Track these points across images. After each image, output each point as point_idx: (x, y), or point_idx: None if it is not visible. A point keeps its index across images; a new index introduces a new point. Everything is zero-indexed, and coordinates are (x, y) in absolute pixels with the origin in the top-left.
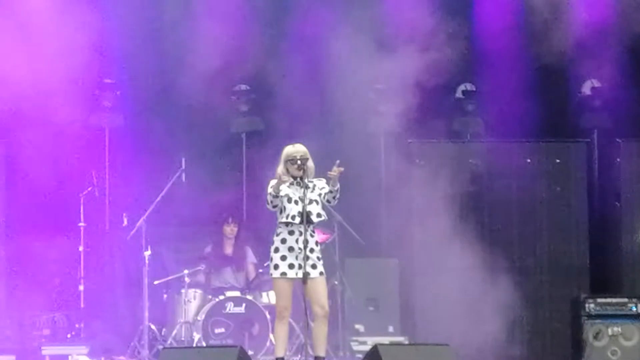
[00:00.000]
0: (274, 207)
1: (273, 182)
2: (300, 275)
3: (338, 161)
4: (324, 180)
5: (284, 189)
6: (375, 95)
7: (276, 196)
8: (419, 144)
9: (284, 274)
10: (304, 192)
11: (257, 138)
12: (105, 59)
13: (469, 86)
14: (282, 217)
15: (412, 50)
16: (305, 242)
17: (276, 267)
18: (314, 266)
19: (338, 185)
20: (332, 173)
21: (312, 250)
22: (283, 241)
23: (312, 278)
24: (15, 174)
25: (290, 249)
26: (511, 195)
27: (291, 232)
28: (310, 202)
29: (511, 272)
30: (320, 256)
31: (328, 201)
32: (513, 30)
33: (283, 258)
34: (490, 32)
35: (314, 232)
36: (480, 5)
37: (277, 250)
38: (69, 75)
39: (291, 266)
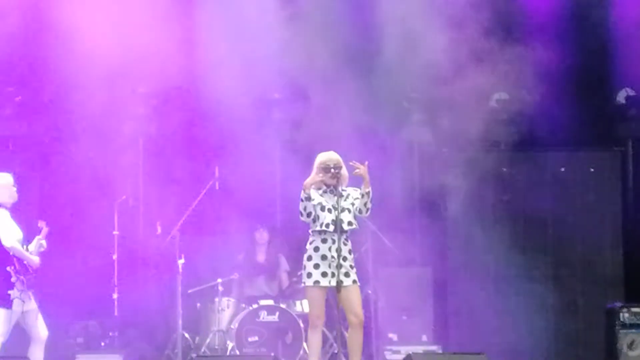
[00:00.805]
0: (308, 215)
1: (306, 203)
2: (333, 283)
3: (366, 162)
4: (359, 191)
5: (317, 197)
6: (409, 104)
7: (308, 198)
8: (453, 153)
9: (317, 282)
10: (337, 201)
11: (292, 146)
12: (138, 68)
13: (503, 95)
14: (315, 226)
15: (446, 59)
16: (339, 250)
17: (309, 275)
18: (347, 274)
19: (369, 189)
20: (358, 171)
21: (345, 259)
22: (316, 249)
23: (346, 286)
24: (50, 182)
25: (324, 257)
26: (545, 204)
27: (324, 240)
28: (343, 210)
29: (545, 281)
30: (353, 264)
31: (360, 211)
32: (547, 39)
33: (316, 266)
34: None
35: (347, 240)
36: None
37: (310, 258)
38: (103, 84)
39: (324, 274)
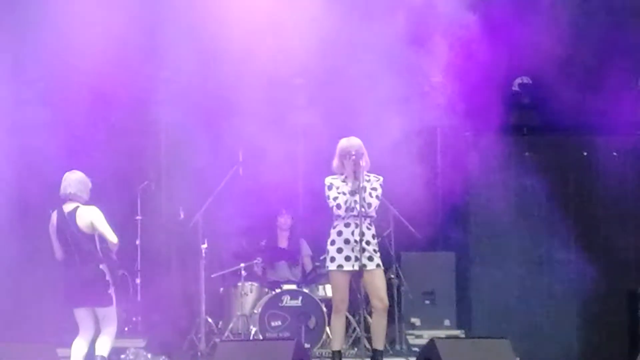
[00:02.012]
0: (338, 207)
1: (330, 179)
2: (357, 267)
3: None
4: (381, 180)
5: (340, 184)
6: (431, 88)
7: (330, 186)
8: (475, 137)
9: (340, 266)
10: (359, 185)
11: (314, 131)
12: (159, 53)
13: (525, 79)
14: (339, 211)
15: (468, 42)
16: (362, 234)
17: (332, 259)
18: (370, 258)
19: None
20: None
21: (368, 243)
22: (339, 234)
23: (369, 270)
24: (74, 167)
25: (347, 241)
26: (567, 188)
27: (347, 225)
28: (365, 191)
29: (567, 265)
30: (377, 249)
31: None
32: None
33: (339, 250)
34: (546, 24)
35: (370, 224)
36: None
37: (333, 242)
38: (127, 69)
39: (347, 258)
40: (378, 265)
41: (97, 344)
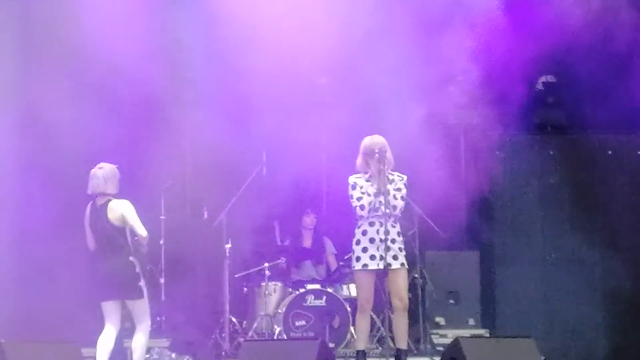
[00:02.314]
0: (362, 208)
1: (354, 179)
2: (381, 266)
3: None
4: (405, 179)
5: (363, 184)
6: (455, 87)
7: (354, 187)
8: (499, 136)
9: (365, 265)
10: (383, 184)
11: (338, 130)
12: (184, 53)
13: (549, 78)
14: (362, 212)
15: (492, 41)
16: (386, 232)
17: (358, 259)
18: (395, 257)
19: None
20: None
21: (393, 241)
22: (364, 233)
23: (394, 269)
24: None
25: (372, 240)
26: (592, 187)
27: (372, 224)
28: (389, 193)
29: (592, 264)
30: (402, 247)
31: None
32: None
33: (364, 250)
34: (569, 23)
35: (395, 222)
36: None
37: (358, 242)
38: (152, 69)
39: (372, 257)
40: (402, 265)
41: (133, 345)
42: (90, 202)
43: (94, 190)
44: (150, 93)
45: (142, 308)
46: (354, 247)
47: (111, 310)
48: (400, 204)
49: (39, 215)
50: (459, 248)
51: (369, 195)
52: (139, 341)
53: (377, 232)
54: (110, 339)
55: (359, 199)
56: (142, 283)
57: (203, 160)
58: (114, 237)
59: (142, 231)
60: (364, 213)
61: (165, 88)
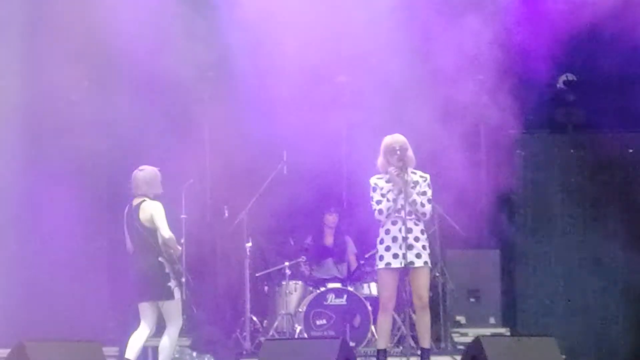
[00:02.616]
0: (380, 212)
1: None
2: (404, 264)
3: None
4: (428, 179)
5: (384, 185)
6: (475, 86)
7: (375, 189)
8: (520, 135)
9: (388, 264)
10: (404, 184)
11: (357, 129)
12: (204, 52)
13: (570, 76)
14: (380, 216)
15: (512, 40)
16: (409, 230)
17: (381, 258)
18: (418, 255)
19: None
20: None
21: (417, 239)
22: (387, 232)
23: (416, 268)
24: (118, 167)
25: (394, 238)
26: (613, 186)
27: (394, 222)
28: (411, 194)
29: (613, 263)
30: (426, 245)
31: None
32: (613, 18)
33: (387, 249)
34: (590, 21)
35: (419, 220)
36: None
37: (382, 241)
38: (172, 68)
39: (395, 256)
40: (425, 263)
41: (160, 346)
42: (128, 203)
43: (134, 191)
44: (171, 91)
45: (171, 309)
46: (378, 246)
47: (145, 311)
48: (428, 208)
49: (64, 214)
50: (479, 246)
51: (388, 200)
52: (164, 343)
53: (400, 230)
54: (142, 338)
55: (378, 202)
56: (171, 284)
57: (224, 159)
58: (145, 237)
59: (165, 232)
60: (382, 218)
61: (187, 87)
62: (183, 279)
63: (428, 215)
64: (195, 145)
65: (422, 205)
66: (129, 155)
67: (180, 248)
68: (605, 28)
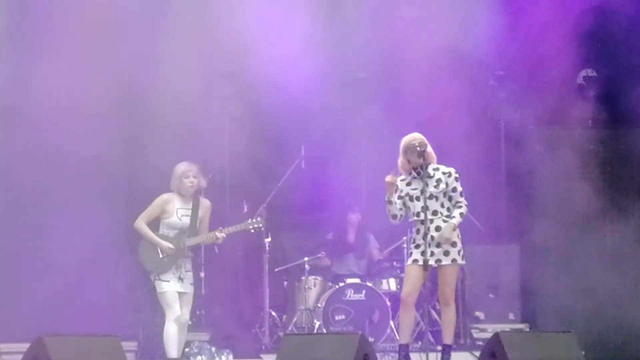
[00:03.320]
0: (394, 217)
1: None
2: (432, 262)
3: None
4: (453, 174)
5: (404, 188)
6: (495, 81)
7: (390, 202)
8: (539, 130)
9: (415, 260)
10: (423, 186)
11: (375, 126)
12: (222, 48)
13: (590, 72)
14: (394, 221)
15: (532, 35)
16: (437, 229)
17: (410, 254)
18: (446, 253)
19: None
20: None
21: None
22: (417, 231)
23: (443, 265)
24: (138, 160)
25: (424, 236)
26: (633, 182)
27: (423, 222)
28: (431, 197)
29: (633, 259)
30: (456, 241)
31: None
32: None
33: (417, 246)
34: (611, 15)
35: (447, 218)
36: None
37: (413, 240)
38: (191, 63)
39: (423, 253)
40: (454, 260)
41: None
42: None
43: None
44: (189, 87)
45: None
46: (411, 245)
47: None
48: (437, 208)
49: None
50: (499, 242)
51: (411, 200)
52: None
53: (429, 229)
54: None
55: (390, 211)
56: (151, 277)
57: (243, 153)
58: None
59: (136, 221)
60: (396, 222)
61: (205, 82)
62: (202, 274)
63: (465, 208)
64: (215, 140)
65: (457, 207)
66: (149, 149)
67: (169, 246)
68: (626, 24)
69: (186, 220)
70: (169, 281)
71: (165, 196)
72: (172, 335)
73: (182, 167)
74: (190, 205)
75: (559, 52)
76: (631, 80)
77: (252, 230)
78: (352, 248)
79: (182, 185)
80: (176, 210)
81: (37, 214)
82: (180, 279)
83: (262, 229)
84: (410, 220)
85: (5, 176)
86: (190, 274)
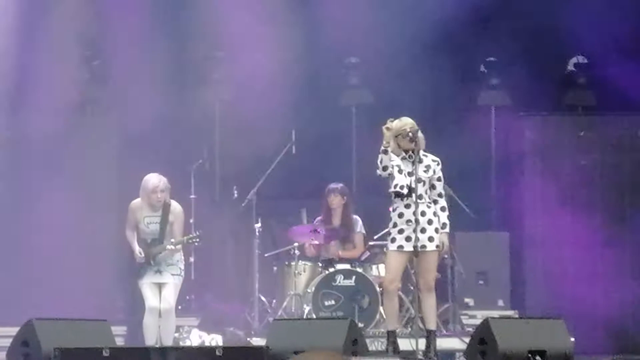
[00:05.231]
0: (384, 169)
1: (383, 156)
2: (418, 247)
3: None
4: (440, 165)
5: (396, 160)
6: (486, 68)
7: (386, 152)
8: (530, 117)
9: (400, 247)
10: (414, 167)
11: (367, 111)
12: (214, 32)
13: (580, 59)
14: (391, 187)
15: (522, 22)
16: (422, 213)
17: (393, 240)
18: (430, 239)
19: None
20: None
21: (430, 222)
22: (400, 215)
23: (427, 251)
24: (128, 147)
25: (408, 222)
26: (622, 168)
27: (407, 206)
28: (419, 180)
29: (622, 245)
30: (439, 227)
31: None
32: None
33: (400, 231)
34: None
35: (431, 203)
36: None
37: (395, 225)
38: (178, 48)
39: (408, 239)
40: (437, 247)
41: None
42: None
43: None
44: (179, 72)
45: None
46: (391, 229)
47: None
48: (421, 193)
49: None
50: (488, 229)
51: (399, 172)
52: None
53: (414, 213)
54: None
55: (382, 161)
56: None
57: (233, 139)
58: None
59: None
60: (385, 174)
61: (196, 67)
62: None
63: (447, 210)
64: (204, 125)
65: (433, 187)
66: (139, 137)
67: (138, 252)
68: (614, 11)
69: (154, 228)
70: (144, 275)
71: (132, 205)
72: (147, 324)
73: (151, 181)
74: (159, 212)
75: (549, 38)
76: (621, 67)
77: (191, 243)
78: (338, 233)
79: (149, 200)
80: (143, 219)
81: (26, 197)
82: (159, 271)
83: (197, 244)
84: (391, 192)
85: None
86: (175, 266)
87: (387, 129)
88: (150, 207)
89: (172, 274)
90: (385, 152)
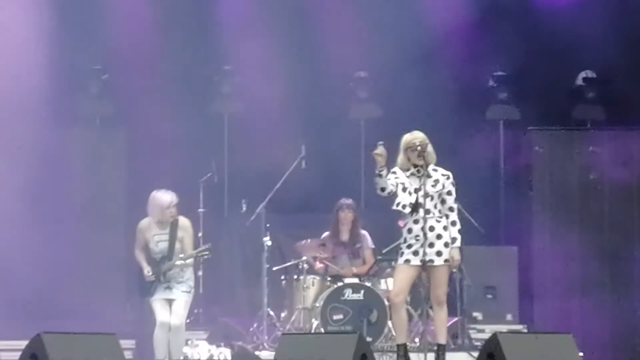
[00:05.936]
0: (382, 190)
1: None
2: (424, 262)
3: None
4: (451, 178)
5: (402, 177)
6: (495, 82)
7: (380, 175)
8: (539, 132)
9: (407, 261)
10: (422, 182)
11: (375, 124)
12: (223, 46)
13: (589, 73)
14: (393, 205)
15: (531, 36)
16: (430, 228)
17: (401, 254)
18: (439, 253)
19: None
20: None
21: (439, 237)
22: (409, 231)
23: (435, 266)
24: (136, 160)
25: (417, 237)
26: (632, 183)
27: (416, 221)
28: (427, 195)
29: (631, 261)
30: (449, 242)
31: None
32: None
33: (409, 246)
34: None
35: (441, 217)
36: None
37: (404, 240)
38: (187, 62)
39: (416, 253)
40: (446, 261)
41: None
42: None
43: None
44: (188, 85)
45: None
46: (401, 244)
47: None
48: (429, 208)
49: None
50: (497, 243)
51: (403, 191)
52: None
53: (422, 228)
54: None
55: (378, 183)
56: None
57: (242, 153)
58: None
59: None
60: (384, 194)
61: (205, 80)
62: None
63: (459, 224)
64: (214, 139)
65: (443, 201)
66: (148, 150)
67: (147, 270)
68: (625, 25)
69: (163, 246)
70: (155, 292)
71: (141, 225)
72: (157, 338)
73: (165, 198)
74: (167, 230)
75: (558, 53)
76: (630, 82)
77: (202, 257)
78: (346, 248)
79: (163, 216)
80: (152, 237)
81: (36, 209)
82: (169, 287)
83: (207, 257)
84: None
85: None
86: (185, 283)
87: (377, 154)
88: (159, 224)
89: (183, 291)
90: (380, 175)
